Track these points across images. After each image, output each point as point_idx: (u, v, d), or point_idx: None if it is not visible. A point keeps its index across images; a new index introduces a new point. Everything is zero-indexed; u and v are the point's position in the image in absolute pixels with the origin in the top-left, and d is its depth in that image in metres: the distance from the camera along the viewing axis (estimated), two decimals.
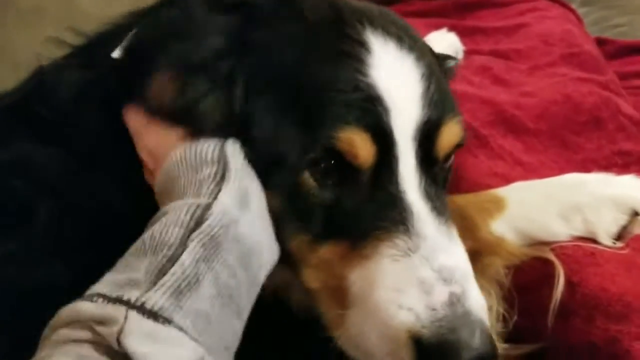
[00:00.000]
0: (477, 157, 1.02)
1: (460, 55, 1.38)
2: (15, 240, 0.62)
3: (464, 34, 1.47)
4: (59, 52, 0.87)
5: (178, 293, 0.53)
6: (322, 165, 0.65)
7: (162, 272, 0.53)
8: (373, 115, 0.64)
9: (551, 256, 0.80)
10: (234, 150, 0.64)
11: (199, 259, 0.55)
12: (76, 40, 0.87)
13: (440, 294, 0.60)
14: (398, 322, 0.60)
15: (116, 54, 0.78)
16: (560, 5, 1.64)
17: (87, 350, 0.49)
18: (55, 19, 1.01)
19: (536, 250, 0.82)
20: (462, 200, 0.86)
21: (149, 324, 0.50)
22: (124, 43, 0.78)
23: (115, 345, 0.48)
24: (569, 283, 0.77)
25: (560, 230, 0.82)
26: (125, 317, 0.49)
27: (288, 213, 0.67)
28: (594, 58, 1.36)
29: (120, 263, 0.57)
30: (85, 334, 0.50)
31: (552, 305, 0.76)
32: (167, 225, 0.57)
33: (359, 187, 0.65)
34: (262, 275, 0.62)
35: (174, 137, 0.66)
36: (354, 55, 0.66)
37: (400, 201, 0.64)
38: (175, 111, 0.66)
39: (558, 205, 0.82)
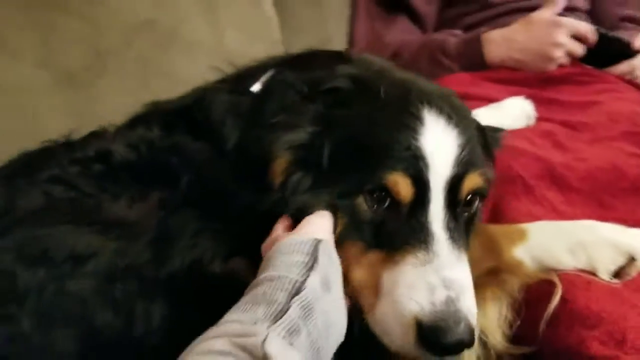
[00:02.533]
0: (520, 201, 1.24)
1: (531, 121, 1.60)
2: (166, 193, 0.95)
3: (541, 103, 1.69)
4: (212, 77, 1.22)
5: (290, 333, 0.70)
6: (375, 195, 0.93)
7: (276, 319, 0.71)
8: (416, 168, 0.92)
9: (555, 279, 1.02)
10: (324, 247, 0.84)
11: (299, 316, 0.73)
12: (228, 70, 1.23)
13: (440, 295, 0.86)
14: (408, 310, 0.87)
15: (254, 88, 1.12)
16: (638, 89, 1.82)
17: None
18: (208, 51, 1.34)
19: (545, 274, 1.04)
20: (494, 229, 1.11)
21: (283, 341, 0.69)
22: (261, 81, 1.12)
23: (258, 351, 0.64)
24: (562, 299, 0.98)
25: (567, 262, 1.03)
26: (267, 332, 0.67)
27: (346, 226, 0.96)
28: None
29: (238, 308, 0.74)
30: (225, 346, 0.65)
31: (545, 315, 0.98)
32: (275, 289, 0.75)
33: (399, 215, 0.93)
34: (334, 347, 0.80)
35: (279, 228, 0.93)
36: (411, 126, 0.95)
37: (426, 229, 0.92)
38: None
39: (568, 242, 1.04)
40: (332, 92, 1.02)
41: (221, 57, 1.28)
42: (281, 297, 0.74)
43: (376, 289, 0.92)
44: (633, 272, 1.02)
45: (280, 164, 0.97)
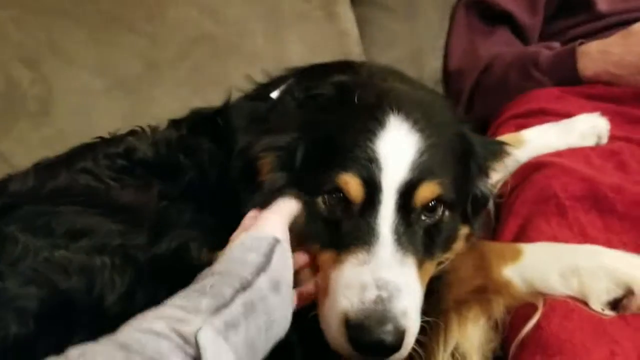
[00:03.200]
0: (548, 223, 1.16)
1: (603, 140, 1.46)
2: (167, 186, 1.07)
3: (627, 120, 1.54)
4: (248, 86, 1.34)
5: (227, 327, 0.74)
6: (333, 195, 0.97)
7: (217, 311, 0.75)
8: (367, 169, 0.95)
9: (539, 303, 0.95)
10: (281, 249, 0.89)
11: (241, 312, 0.77)
12: (262, 79, 1.34)
13: (371, 294, 0.88)
14: (340, 307, 0.90)
15: (274, 94, 1.21)
16: None
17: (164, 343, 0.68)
18: (268, 63, 1.43)
19: (532, 297, 0.98)
20: (487, 246, 1.07)
21: (217, 334, 0.72)
22: (280, 88, 1.21)
23: (192, 340, 0.68)
24: (537, 325, 0.92)
25: (557, 286, 0.96)
26: (203, 323, 0.71)
27: (307, 224, 1.00)
28: None
29: (185, 295, 0.78)
30: (163, 329, 0.69)
31: (516, 339, 0.93)
32: (223, 284, 0.80)
33: (351, 215, 0.96)
34: (272, 343, 0.83)
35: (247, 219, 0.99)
36: (372, 130, 0.97)
37: (372, 230, 0.93)
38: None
39: (563, 265, 0.97)
40: (318, 98, 1.08)
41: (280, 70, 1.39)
42: (227, 292, 0.78)
43: (325, 288, 0.95)
44: (633, 307, 0.92)
45: (264, 164, 1.04)
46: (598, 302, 0.93)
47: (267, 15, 1.70)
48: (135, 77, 1.51)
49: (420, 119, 0.99)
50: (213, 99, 1.33)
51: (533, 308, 0.96)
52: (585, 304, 0.94)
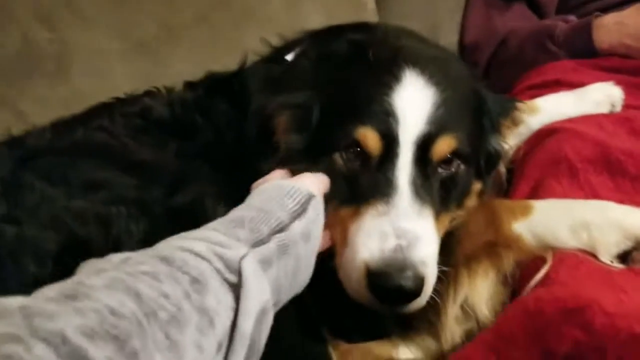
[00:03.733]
0: (560, 184, 1.17)
1: (616, 108, 1.46)
2: (183, 144, 1.09)
3: None
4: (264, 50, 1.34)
5: (263, 263, 0.74)
6: (351, 150, 0.98)
7: (255, 246, 0.75)
8: (385, 123, 0.96)
9: (549, 256, 0.96)
10: (315, 203, 0.89)
11: (275, 252, 0.77)
12: (277, 43, 1.35)
13: (390, 243, 0.90)
14: (360, 256, 0.91)
15: (289, 57, 1.22)
16: None
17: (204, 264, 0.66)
18: (285, 30, 1.44)
19: (542, 251, 0.98)
20: (498, 203, 1.08)
21: (258, 265, 0.71)
22: (295, 51, 1.22)
23: (235, 265, 0.67)
24: (546, 276, 0.93)
25: (567, 240, 0.97)
26: (248, 251, 0.71)
27: None
28: None
29: (222, 223, 0.77)
30: (204, 251, 0.67)
31: (524, 290, 0.93)
32: (260, 221, 0.79)
33: (369, 169, 0.97)
34: (291, 295, 0.83)
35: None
36: (388, 84, 0.99)
37: (390, 182, 0.95)
38: None
39: (572, 220, 0.97)
40: (332, 57, 1.08)
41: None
42: (264, 230, 0.78)
43: (345, 240, 0.97)
44: None
45: (280, 123, 1.06)
46: (607, 255, 0.94)
47: None
48: (152, 39, 1.53)
49: (436, 73, 1.00)
50: (229, 63, 1.33)
51: (542, 262, 0.96)
52: (595, 256, 0.95)
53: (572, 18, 1.89)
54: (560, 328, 0.72)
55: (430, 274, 0.91)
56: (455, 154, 1.00)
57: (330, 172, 1.00)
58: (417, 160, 0.96)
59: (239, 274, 0.68)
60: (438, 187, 0.99)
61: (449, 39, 2.06)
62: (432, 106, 0.97)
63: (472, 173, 1.07)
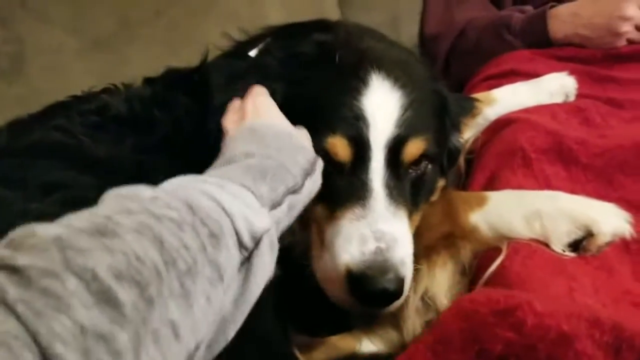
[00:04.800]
0: (514, 174, 1.20)
1: (570, 98, 1.50)
2: (141, 139, 1.08)
3: (595, 80, 1.59)
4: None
5: (275, 223, 0.75)
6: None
7: (273, 207, 0.76)
8: (355, 128, 0.97)
9: (503, 246, 0.99)
10: (320, 163, 0.91)
11: (284, 213, 0.79)
12: (239, 38, 1.34)
13: (371, 246, 0.91)
14: (340, 259, 0.92)
15: (252, 53, 1.22)
16: None
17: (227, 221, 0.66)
18: (245, 24, 1.43)
19: (497, 241, 1.01)
20: (455, 194, 1.11)
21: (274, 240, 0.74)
22: (259, 47, 1.22)
23: (257, 235, 0.69)
24: (501, 265, 0.96)
25: (521, 230, 1.00)
26: (270, 227, 0.72)
27: None
28: None
29: (246, 169, 0.77)
30: (232, 207, 0.68)
31: (480, 280, 0.96)
32: (279, 179, 0.79)
33: (342, 175, 0.98)
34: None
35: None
36: (355, 89, 0.99)
37: (365, 186, 0.96)
38: None
39: (525, 210, 1.00)
40: (297, 58, 1.09)
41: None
42: (281, 190, 0.78)
43: (321, 243, 0.98)
44: (593, 248, 0.96)
45: None
46: (559, 244, 0.97)
47: None
48: (110, 35, 1.50)
49: (401, 76, 1.02)
50: (189, 58, 1.32)
51: (498, 252, 0.99)
52: (548, 246, 0.98)
53: (529, 8, 1.93)
54: (494, 329, 0.73)
55: (409, 273, 0.93)
56: (424, 155, 1.02)
57: None
58: (388, 163, 0.98)
59: (255, 242, 0.69)
60: (409, 188, 1.01)
61: (410, 30, 2.08)
62: (400, 109, 0.99)
63: (437, 171, 1.10)
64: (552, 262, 0.94)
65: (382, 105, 0.99)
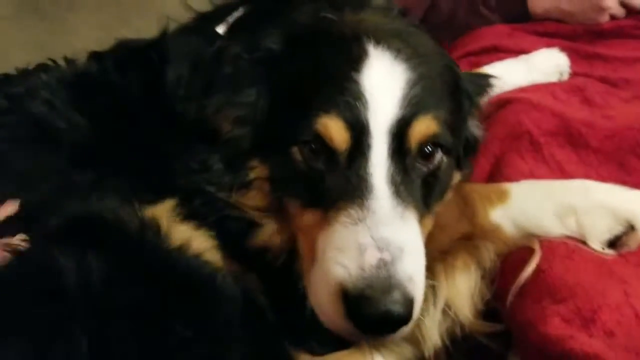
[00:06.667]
0: (523, 159, 1.09)
1: (564, 76, 1.42)
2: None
3: (582, 57, 1.51)
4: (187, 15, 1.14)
5: None
6: (312, 146, 0.81)
7: None
8: (351, 108, 0.79)
9: (535, 246, 0.86)
10: None
11: None
12: (202, 8, 1.14)
13: (371, 258, 0.73)
14: (333, 276, 0.75)
15: (220, 29, 1.02)
16: None
17: None
18: None
19: (524, 240, 0.89)
20: (470, 187, 0.97)
21: None
22: (227, 21, 1.02)
23: None
24: (537, 269, 0.83)
25: (554, 228, 0.88)
26: None
27: (282, 181, 0.85)
28: None
29: None
30: None
31: (514, 286, 0.83)
32: None
33: (336, 166, 0.80)
34: None
35: None
36: (352, 62, 0.82)
37: (364, 181, 0.78)
38: None
39: (555, 205, 0.89)
40: (268, 52, 0.91)
41: None
42: None
43: (312, 254, 0.81)
44: (632, 244, 0.86)
45: (223, 120, 0.90)
46: (599, 241, 0.86)
47: None
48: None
49: (404, 48, 0.85)
50: (140, 27, 1.13)
51: (525, 253, 0.87)
52: (583, 243, 0.86)
53: None
54: None
55: (419, 292, 0.76)
56: (437, 141, 0.85)
57: (287, 168, 0.84)
58: (393, 152, 0.80)
59: None
60: (420, 185, 0.84)
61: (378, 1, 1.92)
62: (404, 85, 0.81)
63: (453, 165, 0.92)
64: (594, 263, 0.83)
65: (383, 82, 0.81)
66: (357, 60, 0.82)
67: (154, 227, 0.76)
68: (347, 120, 0.79)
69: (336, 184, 0.80)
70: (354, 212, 0.77)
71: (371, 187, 0.78)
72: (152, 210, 0.79)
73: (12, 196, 0.80)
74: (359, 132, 0.79)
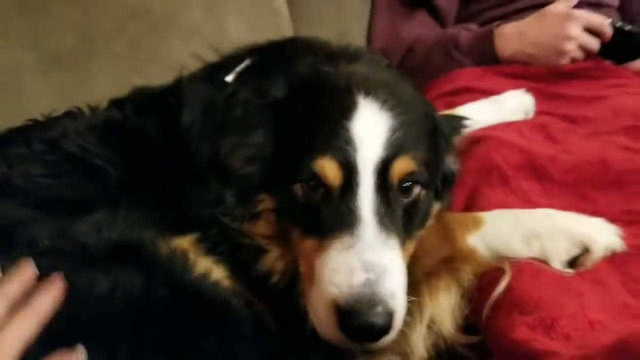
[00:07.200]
0: (494, 191, 1.22)
1: (530, 115, 1.57)
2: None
3: (546, 97, 1.65)
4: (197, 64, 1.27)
5: None
6: (311, 183, 0.95)
7: None
8: (343, 152, 0.94)
9: (506, 266, 1.00)
10: None
11: None
12: (211, 58, 1.28)
13: (359, 277, 0.87)
14: (328, 294, 0.89)
15: (228, 78, 1.16)
16: None
17: None
18: (207, 38, 1.38)
19: (497, 261, 1.02)
20: (450, 217, 1.10)
21: None
22: (236, 71, 1.16)
23: None
24: (508, 286, 0.97)
25: (521, 250, 1.02)
26: None
27: (286, 212, 1.00)
28: None
29: None
30: None
31: (488, 301, 0.97)
32: None
33: (331, 200, 0.95)
34: None
35: None
36: (344, 111, 0.97)
37: (353, 213, 0.92)
38: None
39: (523, 230, 1.02)
40: (274, 99, 1.06)
41: (221, 45, 1.32)
42: None
43: (312, 276, 0.94)
44: (588, 263, 1.00)
45: (236, 159, 1.03)
46: (559, 262, 1.00)
47: None
48: (70, 51, 1.39)
49: (389, 98, 0.99)
50: (152, 75, 1.25)
51: (497, 272, 1.00)
52: (546, 264, 1.00)
53: (474, 27, 2.00)
54: None
55: (400, 306, 0.90)
56: (415, 180, 0.99)
57: (291, 202, 0.98)
58: (378, 187, 0.94)
59: None
60: (401, 215, 0.98)
61: (358, 44, 2.08)
62: (388, 131, 0.96)
63: (432, 196, 1.07)
64: (556, 280, 0.96)
65: (369, 128, 0.96)
66: (348, 109, 0.97)
67: (182, 256, 0.89)
68: (339, 161, 0.93)
69: (330, 215, 0.94)
70: (345, 239, 0.90)
71: (359, 218, 0.92)
72: (179, 242, 0.92)
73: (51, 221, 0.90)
74: (349, 171, 0.93)
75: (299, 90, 1.05)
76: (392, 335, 0.89)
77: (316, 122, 0.98)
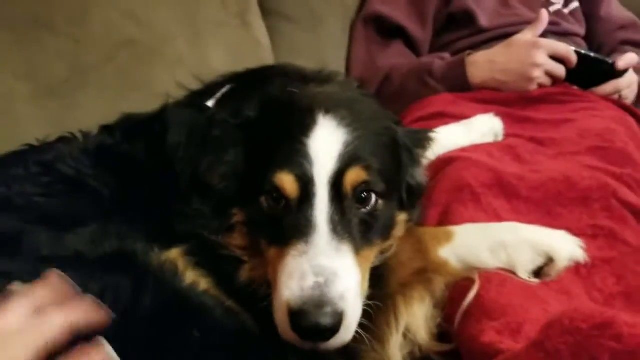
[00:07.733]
0: (465, 208, 1.29)
1: (499, 137, 1.65)
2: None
3: (515, 120, 1.73)
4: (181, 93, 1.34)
5: None
6: (274, 195, 1.03)
7: None
8: (300, 166, 1.01)
9: (475, 276, 1.07)
10: None
11: None
12: (194, 86, 1.35)
13: (309, 281, 0.93)
14: (283, 297, 0.95)
15: (209, 103, 1.24)
16: (622, 109, 1.84)
17: None
18: (191, 69, 1.45)
19: (467, 272, 1.09)
20: (422, 230, 1.17)
21: None
22: (216, 97, 1.24)
23: None
24: (477, 295, 1.03)
25: (489, 261, 1.08)
26: None
27: (255, 224, 1.08)
28: (622, 154, 1.51)
29: None
30: None
31: (459, 310, 1.03)
32: None
33: (290, 210, 1.02)
34: None
35: None
36: (304, 129, 1.04)
37: (309, 222, 0.99)
38: None
39: (490, 242, 1.09)
40: (246, 118, 1.13)
41: (204, 74, 1.40)
42: None
43: (275, 281, 1.00)
44: (552, 273, 1.07)
45: (214, 176, 1.10)
46: (524, 272, 1.06)
47: (188, 22, 1.73)
48: (61, 81, 1.46)
49: (347, 115, 1.07)
50: (139, 102, 1.32)
51: (468, 282, 1.07)
52: (514, 273, 1.07)
53: (447, 55, 2.10)
54: (598, 340, 0.78)
55: (351, 308, 0.95)
56: (370, 189, 1.05)
57: (258, 214, 1.05)
58: (333, 198, 1.01)
59: None
60: (358, 223, 1.03)
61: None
62: (342, 145, 1.03)
63: (394, 206, 1.13)
64: (522, 288, 1.03)
65: (325, 144, 1.03)
66: (307, 127, 1.05)
67: (171, 267, 0.95)
68: (296, 175, 1.01)
69: (289, 225, 1.00)
70: (300, 246, 0.97)
71: (314, 227, 0.99)
72: (167, 254, 0.98)
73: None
74: (306, 183, 1.01)
75: (267, 110, 1.13)
76: (344, 335, 0.95)
77: (280, 139, 1.06)
